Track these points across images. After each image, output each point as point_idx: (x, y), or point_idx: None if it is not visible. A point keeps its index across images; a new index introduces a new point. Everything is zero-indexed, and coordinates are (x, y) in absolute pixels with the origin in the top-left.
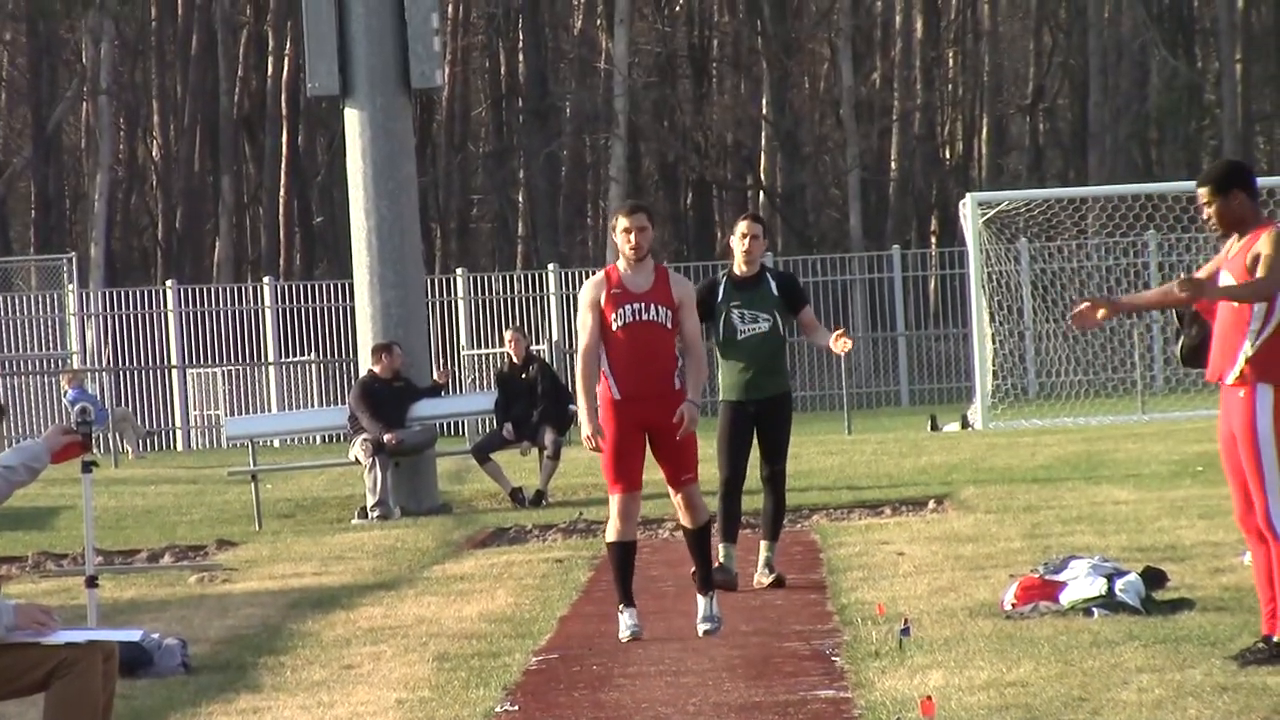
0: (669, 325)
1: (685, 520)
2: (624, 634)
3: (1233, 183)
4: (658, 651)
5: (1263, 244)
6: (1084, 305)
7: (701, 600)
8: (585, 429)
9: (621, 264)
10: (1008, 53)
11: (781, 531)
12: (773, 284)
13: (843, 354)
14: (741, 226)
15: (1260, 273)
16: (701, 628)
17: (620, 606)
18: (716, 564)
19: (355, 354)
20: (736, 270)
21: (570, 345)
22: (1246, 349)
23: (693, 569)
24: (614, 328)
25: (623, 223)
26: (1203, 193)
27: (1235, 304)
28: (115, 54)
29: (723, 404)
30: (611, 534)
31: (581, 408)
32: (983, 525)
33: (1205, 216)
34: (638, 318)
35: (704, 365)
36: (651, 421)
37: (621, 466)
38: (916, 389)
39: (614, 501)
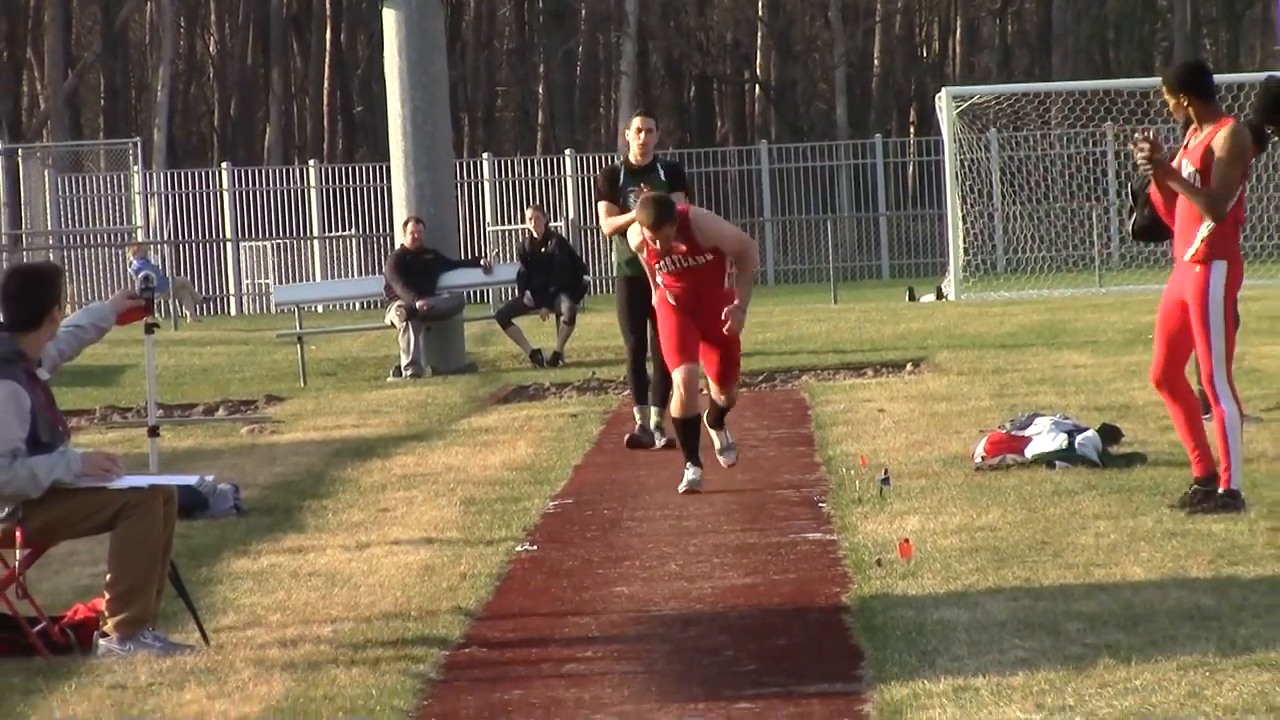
0: (707, 262)
1: (716, 399)
2: (683, 487)
3: (1181, 87)
4: (662, 498)
5: (1219, 144)
6: (1149, 141)
7: (715, 435)
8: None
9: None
10: None
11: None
12: (661, 171)
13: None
14: (636, 122)
15: (1213, 183)
16: (722, 460)
17: (687, 465)
18: (638, 426)
19: (391, 229)
20: (632, 159)
21: (585, 223)
22: (1203, 230)
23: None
24: (661, 274)
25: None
26: (1164, 89)
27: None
28: None
29: (619, 279)
30: (676, 409)
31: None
32: (955, 386)
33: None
34: (679, 265)
35: (750, 270)
36: (705, 321)
37: (682, 341)
38: (896, 264)
39: (676, 375)
